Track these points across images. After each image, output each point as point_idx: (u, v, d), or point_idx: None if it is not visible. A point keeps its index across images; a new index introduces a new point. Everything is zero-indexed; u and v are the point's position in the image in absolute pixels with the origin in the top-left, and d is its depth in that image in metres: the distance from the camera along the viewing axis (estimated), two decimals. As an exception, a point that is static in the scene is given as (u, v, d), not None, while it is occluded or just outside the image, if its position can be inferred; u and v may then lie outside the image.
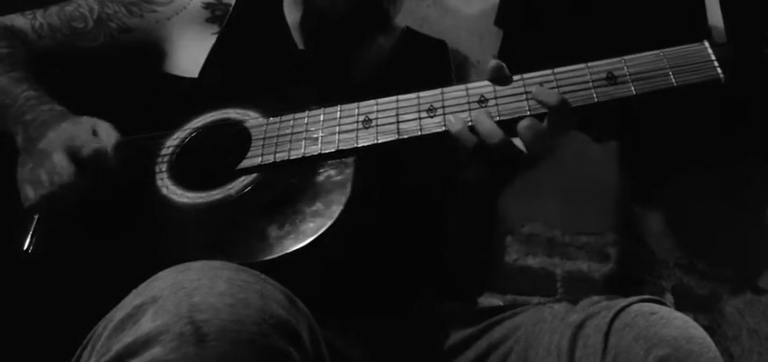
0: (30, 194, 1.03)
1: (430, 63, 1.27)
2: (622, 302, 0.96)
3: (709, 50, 0.98)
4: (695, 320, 0.95)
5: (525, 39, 1.99)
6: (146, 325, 0.70)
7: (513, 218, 2.03)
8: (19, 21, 1.25)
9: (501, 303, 1.28)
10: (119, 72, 1.24)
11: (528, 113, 0.99)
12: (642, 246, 2.23)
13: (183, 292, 0.71)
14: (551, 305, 1.04)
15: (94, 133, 1.06)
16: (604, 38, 1.03)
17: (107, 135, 1.06)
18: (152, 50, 1.24)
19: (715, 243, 2.22)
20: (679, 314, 0.93)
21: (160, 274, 0.76)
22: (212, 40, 1.22)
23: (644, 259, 2.23)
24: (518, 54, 1.05)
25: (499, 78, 1.01)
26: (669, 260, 2.22)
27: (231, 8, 1.26)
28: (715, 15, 1.02)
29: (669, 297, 2.17)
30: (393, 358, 1.10)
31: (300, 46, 1.25)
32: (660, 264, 2.22)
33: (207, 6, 1.25)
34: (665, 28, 1.02)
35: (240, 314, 0.70)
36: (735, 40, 0.99)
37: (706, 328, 1.74)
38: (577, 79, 1.00)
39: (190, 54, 1.22)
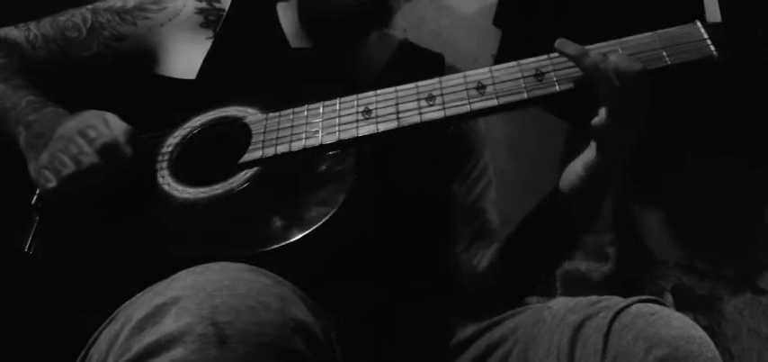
0: (50, 177, 1.03)
1: (424, 76, 1.28)
2: (622, 302, 0.96)
3: (702, 30, 1.01)
4: (695, 320, 0.95)
5: (524, 35, 1.99)
6: (168, 325, 0.70)
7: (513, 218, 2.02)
8: (13, 33, 1.25)
9: (501, 303, 1.28)
10: (115, 78, 1.24)
11: (525, 95, 1.01)
12: (641, 246, 2.23)
13: (204, 293, 0.71)
14: (551, 306, 1.04)
15: (105, 124, 1.06)
16: (603, 36, 1.04)
17: (118, 126, 1.06)
18: (146, 57, 1.23)
19: (715, 242, 2.21)
20: (678, 314, 0.93)
21: (179, 274, 0.76)
22: (207, 44, 1.22)
23: (643, 259, 2.22)
24: (517, 51, 1.06)
25: None
26: (669, 260, 2.22)
27: (225, 13, 1.26)
28: (711, 2, 1.03)
29: (669, 297, 2.16)
30: (393, 358, 1.10)
31: (293, 45, 1.24)
32: (660, 264, 2.22)
33: (200, 12, 1.25)
34: (660, 18, 1.04)
35: (261, 317, 0.71)
36: (728, 20, 1.03)
37: (706, 328, 1.74)
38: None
39: (184, 59, 1.21)
